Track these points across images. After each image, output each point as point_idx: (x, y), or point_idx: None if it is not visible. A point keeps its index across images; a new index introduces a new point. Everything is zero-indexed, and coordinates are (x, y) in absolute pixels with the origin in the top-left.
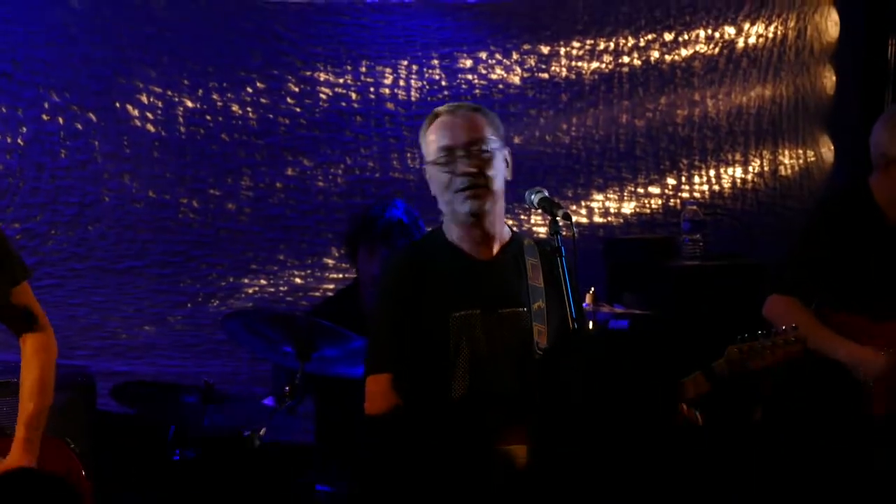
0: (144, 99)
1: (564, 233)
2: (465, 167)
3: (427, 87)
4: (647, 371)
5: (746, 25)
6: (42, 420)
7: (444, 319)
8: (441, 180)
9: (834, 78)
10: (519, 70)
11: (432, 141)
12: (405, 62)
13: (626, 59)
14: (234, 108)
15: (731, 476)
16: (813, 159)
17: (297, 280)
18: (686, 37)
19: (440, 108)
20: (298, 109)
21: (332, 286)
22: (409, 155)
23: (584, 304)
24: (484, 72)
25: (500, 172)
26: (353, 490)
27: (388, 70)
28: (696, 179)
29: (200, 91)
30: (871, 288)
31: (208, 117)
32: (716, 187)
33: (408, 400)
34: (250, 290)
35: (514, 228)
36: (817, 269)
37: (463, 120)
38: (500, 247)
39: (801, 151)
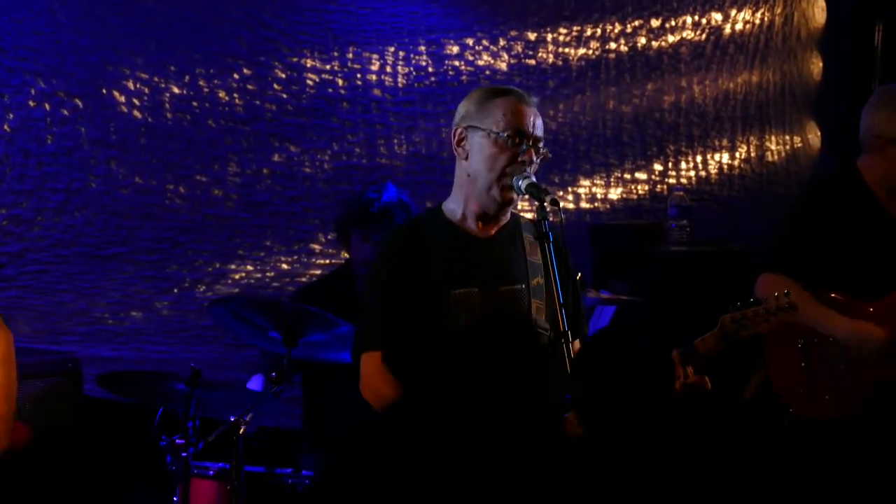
0: (131, 85)
1: (552, 218)
2: (532, 158)
3: (414, 73)
4: (636, 355)
5: (733, 12)
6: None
7: (443, 296)
8: (495, 156)
9: (821, 64)
10: (506, 56)
11: (502, 112)
12: (392, 48)
13: (612, 46)
14: (221, 94)
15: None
16: (800, 145)
17: (284, 266)
18: (673, 23)
19: (508, 87)
20: (285, 96)
21: (318, 272)
22: (395, 141)
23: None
24: (471, 58)
25: None
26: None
27: (375, 56)
28: (683, 165)
29: (187, 77)
30: (862, 267)
31: (195, 104)
32: (702, 173)
33: (403, 378)
34: (237, 276)
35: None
36: (807, 249)
37: (536, 113)
38: (499, 226)
39: (787, 137)
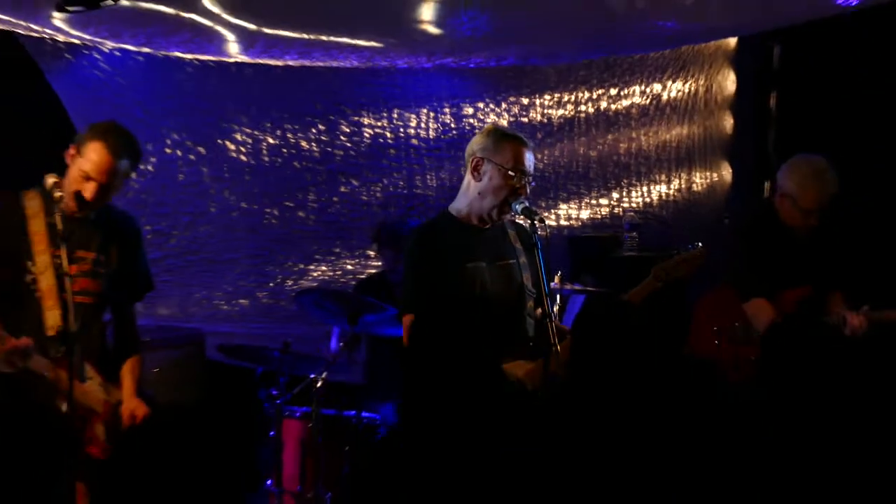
0: (238, 136)
1: (540, 232)
2: (526, 191)
3: (440, 128)
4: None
5: (669, 83)
6: None
7: (461, 269)
8: (502, 186)
9: (731, 121)
10: (506, 116)
11: (512, 154)
12: (425, 110)
13: (583, 108)
14: (303, 143)
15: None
16: (717, 179)
17: (349, 266)
18: (626, 91)
19: (520, 134)
20: (349, 144)
21: (373, 270)
22: (428, 177)
23: (553, 284)
24: (481, 117)
25: None
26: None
27: (413, 116)
28: (634, 194)
29: (279, 131)
30: (780, 278)
31: (284, 150)
32: (647, 199)
33: (436, 328)
34: (315, 274)
35: None
36: (759, 272)
37: (532, 154)
38: (490, 223)
39: (708, 173)
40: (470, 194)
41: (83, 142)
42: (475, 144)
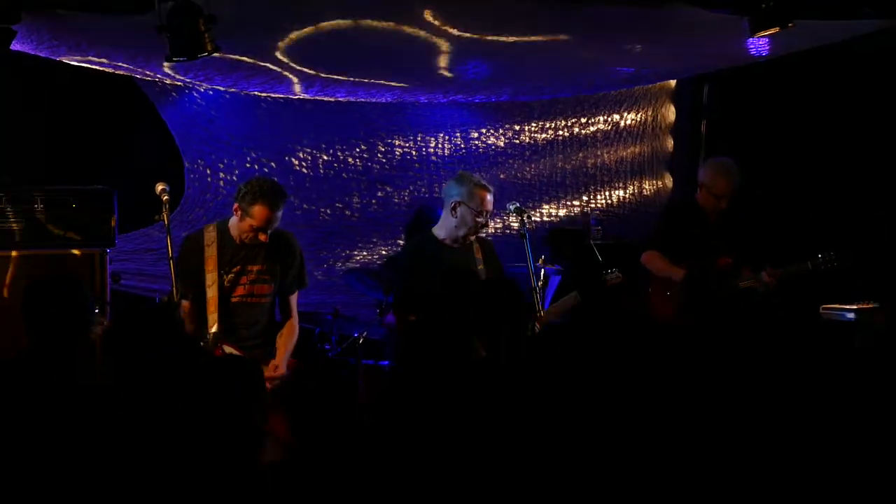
0: (301, 155)
1: (528, 226)
2: (483, 227)
3: (453, 148)
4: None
5: (626, 114)
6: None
7: (435, 276)
8: (470, 220)
9: (672, 142)
10: (503, 138)
11: (480, 199)
12: (441, 134)
13: (560, 132)
14: (350, 159)
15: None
16: (661, 186)
17: (383, 252)
18: (593, 120)
19: (484, 183)
20: (384, 160)
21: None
22: (444, 184)
23: (536, 264)
24: (484, 140)
25: None
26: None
27: (432, 138)
28: (599, 197)
29: (331, 150)
30: (694, 248)
31: (335, 164)
32: (610, 201)
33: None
34: (358, 258)
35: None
36: (669, 238)
37: (493, 197)
38: (461, 243)
39: (655, 181)
40: (447, 226)
41: (248, 204)
42: (454, 190)
